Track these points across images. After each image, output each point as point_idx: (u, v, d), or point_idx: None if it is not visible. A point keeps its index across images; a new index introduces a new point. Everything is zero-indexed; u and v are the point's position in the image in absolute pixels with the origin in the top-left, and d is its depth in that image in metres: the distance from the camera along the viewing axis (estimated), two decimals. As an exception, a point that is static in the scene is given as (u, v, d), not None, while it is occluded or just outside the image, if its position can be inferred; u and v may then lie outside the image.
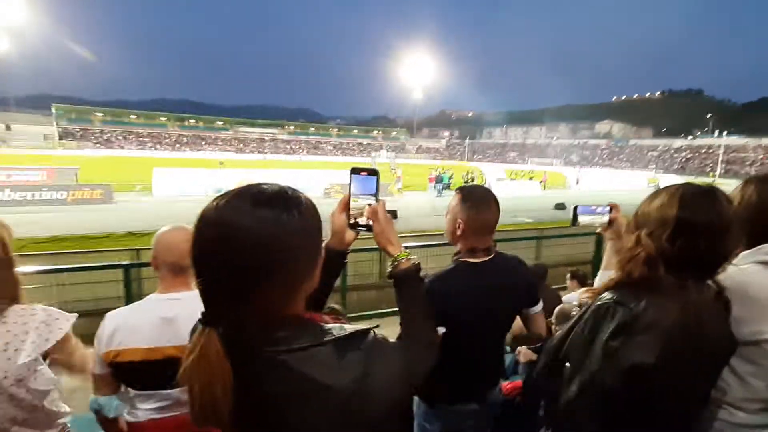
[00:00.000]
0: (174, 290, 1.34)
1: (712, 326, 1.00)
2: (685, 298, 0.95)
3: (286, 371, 0.61)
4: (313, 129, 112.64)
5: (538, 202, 20.85)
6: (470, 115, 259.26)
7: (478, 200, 1.43)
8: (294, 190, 0.69)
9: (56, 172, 18.17)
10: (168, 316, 1.28)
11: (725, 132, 65.78)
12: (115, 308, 1.43)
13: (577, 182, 31.50)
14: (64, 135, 71.83)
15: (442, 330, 1.31)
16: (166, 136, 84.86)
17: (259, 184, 0.66)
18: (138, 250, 6.15)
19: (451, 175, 26.34)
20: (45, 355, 1.21)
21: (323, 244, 1.01)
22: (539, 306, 1.62)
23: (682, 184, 1.02)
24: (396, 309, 0.96)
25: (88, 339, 1.35)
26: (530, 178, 31.68)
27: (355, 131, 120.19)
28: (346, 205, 0.99)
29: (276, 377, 0.62)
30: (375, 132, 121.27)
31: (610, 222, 1.44)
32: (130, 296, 4.33)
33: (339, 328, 0.68)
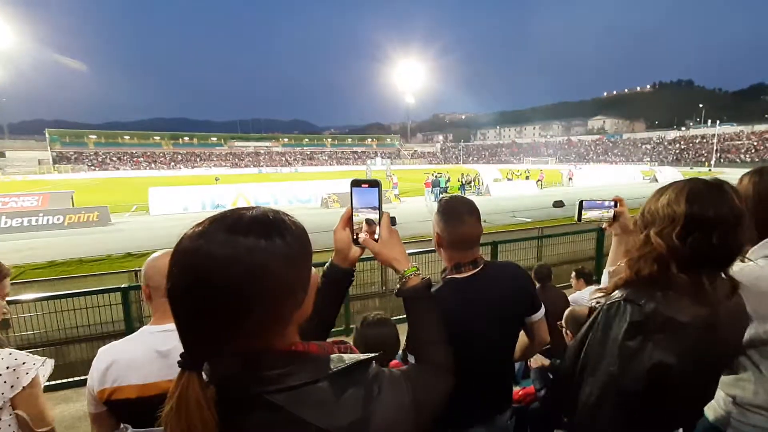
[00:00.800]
0: (168, 320, 1.27)
1: (729, 321, 0.98)
2: (699, 293, 0.92)
3: (276, 414, 0.55)
4: (307, 140, 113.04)
5: (536, 200, 20.87)
6: (463, 117, 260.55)
7: (451, 213, 1.35)
8: (277, 213, 0.62)
9: (51, 197, 18.07)
10: (163, 350, 1.22)
11: (718, 121, 66.18)
12: (115, 333, 1.36)
13: (570, 179, 31.42)
14: (58, 159, 71.82)
15: None
16: (161, 155, 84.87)
17: (239, 209, 0.61)
18: (137, 271, 6.10)
19: (448, 178, 26.34)
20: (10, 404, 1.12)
21: (329, 262, 0.97)
22: (540, 312, 1.51)
23: (689, 180, 1.00)
24: (403, 317, 0.90)
25: (89, 366, 1.29)
26: (526, 177, 31.68)
27: (349, 140, 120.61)
28: (348, 220, 0.93)
29: (265, 421, 0.55)
30: (369, 140, 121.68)
31: (615, 217, 1.40)
32: (130, 319, 4.27)
33: (338, 360, 0.61)
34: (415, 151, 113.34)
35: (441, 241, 1.39)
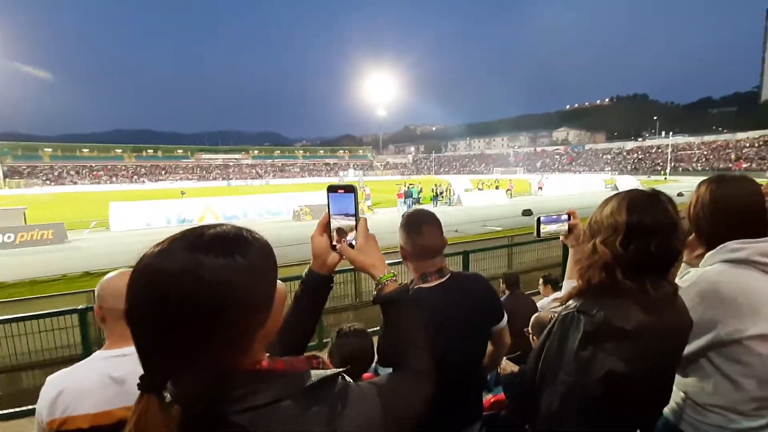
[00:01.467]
0: (125, 343, 1.20)
1: (674, 323, 1.03)
2: (645, 299, 0.97)
3: None
4: (278, 152, 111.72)
5: (506, 210, 21.39)
6: (434, 129, 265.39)
7: (412, 225, 1.41)
8: (239, 229, 0.61)
9: (1, 214, 16.90)
10: (118, 375, 1.14)
11: (671, 132, 70.44)
12: (72, 358, 1.28)
13: (540, 189, 32.42)
14: (9, 173, 67.80)
15: None
16: (123, 168, 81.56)
17: (201, 227, 0.59)
18: (95, 291, 5.78)
19: (420, 189, 26.65)
20: None
21: (307, 269, 0.95)
22: (504, 320, 1.55)
23: (628, 191, 1.06)
24: (378, 329, 0.89)
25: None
26: (496, 187, 32.47)
27: (321, 151, 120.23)
28: (325, 226, 0.93)
29: None
30: (341, 151, 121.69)
31: (570, 229, 1.46)
32: (88, 343, 4.03)
33: (304, 377, 0.60)
34: (388, 162, 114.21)
35: (405, 253, 1.43)
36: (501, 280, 4.26)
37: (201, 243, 0.55)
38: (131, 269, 0.96)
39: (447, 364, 1.29)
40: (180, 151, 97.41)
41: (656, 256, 0.97)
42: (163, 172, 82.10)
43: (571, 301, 1.05)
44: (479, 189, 31.97)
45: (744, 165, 53.26)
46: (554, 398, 1.00)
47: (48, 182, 67.03)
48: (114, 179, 73.69)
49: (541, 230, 1.47)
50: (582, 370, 0.96)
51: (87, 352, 3.91)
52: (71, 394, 1.13)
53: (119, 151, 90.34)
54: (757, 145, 59.62)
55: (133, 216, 18.13)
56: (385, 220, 18.87)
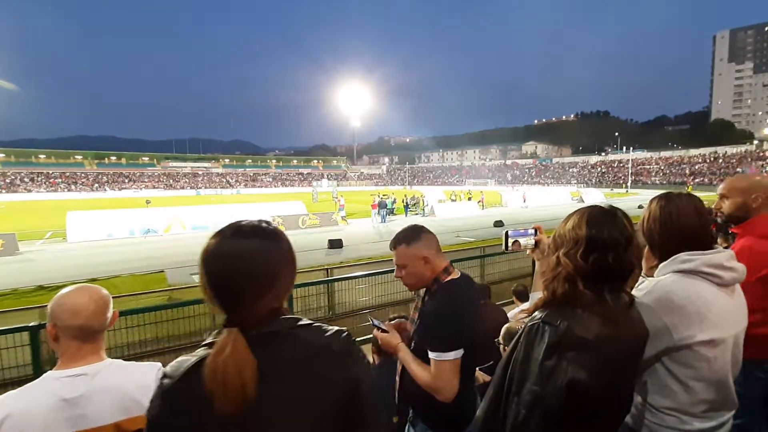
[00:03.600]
0: (79, 363, 1.13)
1: (631, 333, 1.09)
2: (604, 310, 1.03)
3: (296, 339, 0.85)
4: (250, 161, 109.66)
5: (479, 221, 21.80)
6: (408, 140, 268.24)
7: (415, 233, 1.60)
8: (271, 224, 0.90)
9: (-55, 224, 15.71)
10: (71, 397, 1.07)
11: (631, 148, 74.25)
12: (20, 379, 1.18)
13: (524, 201, 33.15)
14: (-44, 180, 63.20)
15: (458, 354, 1.44)
16: (83, 175, 77.48)
17: (240, 222, 0.87)
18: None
19: (394, 200, 26.76)
20: None
21: None
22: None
23: (588, 206, 1.14)
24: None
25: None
26: (469, 198, 33.07)
27: (295, 161, 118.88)
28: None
29: (289, 344, 0.84)
30: (315, 161, 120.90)
31: (536, 243, 1.53)
32: (39, 362, 3.74)
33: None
34: (362, 173, 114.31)
35: (428, 258, 1.56)
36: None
37: (256, 230, 0.85)
38: (85, 287, 1.13)
39: (475, 344, 1.53)
40: (145, 158, 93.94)
41: (613, 268, 1.04)
42: (126, 181, 78.69)
43: (536, 312, 1.09)
44: (452, 200, 32.46)
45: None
46: (521, 408, 1.04)
47: (-1, 190, 62.97)
48: (73, 187, 69.92)
49: (509, 244, 1.53)
50: (546, 380, 1.00)
51: (38, 373, 3.63)
52: (18, 419, 1.04)
53: (79, 157, 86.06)
54: (708, 160, 63.80)
55: (93, 226, 17.22)
56: (359, 232, 18.81)
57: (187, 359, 0.82)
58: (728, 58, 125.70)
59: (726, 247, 2.50)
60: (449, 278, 1.56)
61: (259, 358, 0.78)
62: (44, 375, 1.14)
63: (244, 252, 0.81)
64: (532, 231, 1.54)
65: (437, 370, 1.44)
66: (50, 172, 75.07)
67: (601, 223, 1.07)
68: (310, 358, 0.84)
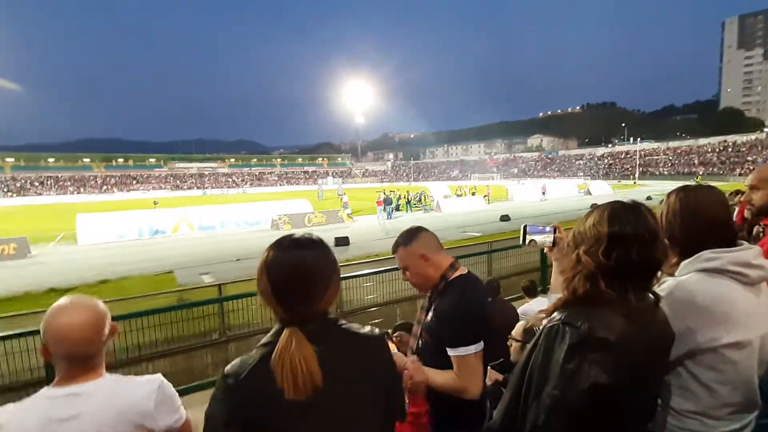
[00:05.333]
0: (74, 382, 1.09)
1: (657, 334, 1.04)
2: (627, 309, 0.99)
3: (347, 332, 1.00)
4: (255, 160, 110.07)
5: (485, 215, 21.71)
6: (413, 136, 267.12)
7: (413, 232, 1.60)
8: (318, 237, 1.04)
9: (-42, 228, 15.97)
10: (63, 416, 1.04)
11: (638, 138, 73.31)
12: (34, 382, 1.17)
13: (544, 194, 33.12)
14: (-33, 185, 64.19)
15: (480, 347, 1.44)
16: (91, 178, 78.29)
17: (294, 235, 1.02)
18: None
19: (399, 196, 26.72)
20: None
21: None
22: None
23: (610, 202, 1.09)
24: None
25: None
26: (473, 193, 32.98)
27: (300, 159, 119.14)
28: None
29: (343, 336, 0.99)
30: (320, 159, 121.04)
31: (555, 243, 1.48)
32: (52, 367, 3.78)
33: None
34: (367, 169, 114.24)
35: (427, 258, 1.55)
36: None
37: (309, 242, 1.00)
38: (79, 302, 1.13)
39: (491, 338, 1.52)
40: (152, 159, 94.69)
41: (637, 265, 1.00)
42: (134, 182, 79.43)
43: (556, 313, 1.06)
44: (458, 195, 32.34)
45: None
46: (540, 412, 1.00)
47: (10, 194, 63.87)
48: (82, 190, 70.78)
49: (527, 239, 1.50)
50: (568, 383, 0.96)
51: (51, 377, 3.68)
52: None
53: (87, 160, 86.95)
54: (717, 150, 62.79)
55: (103, 228, 17.46)
56: (365, 229, 18.81)
57: (248, 358, 0.92)
58: (737, 44, 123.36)
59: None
60: (457, 274, 1.55)
61: (320, 350, 0.91)
62: (39, 392, 1.11)
63: (305, 261, 0.95)
64: (551, 229, 1.50)
65: (462, 366, 1.42)
66: (59, 175, 76.03)
67: (624, 219, 1.03)
68: (359, 347, 0.99)
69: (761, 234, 1.86)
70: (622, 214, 1.05)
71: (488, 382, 2.32)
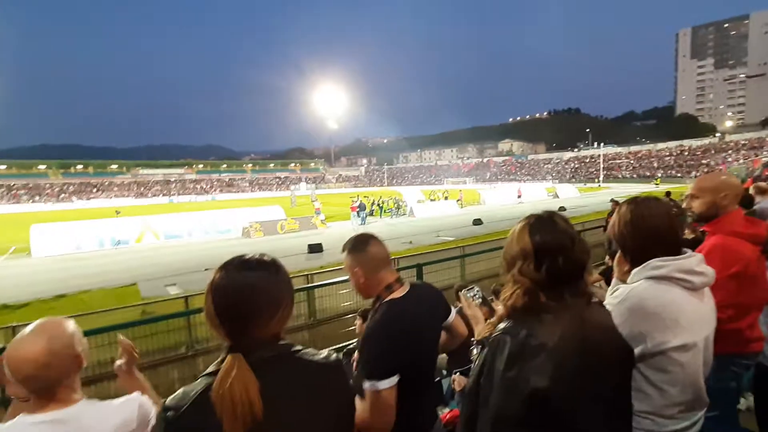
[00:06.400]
0: (50, 408, 1.05)
1: (598, 331, 1.06)
2: (566, 313, 1.02)
3: (300, 359, 0.95)
4: (225, 166, 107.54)
5: (458, 219, 21.97)
6: (386, 141, 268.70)
7: (359, 243, 1.48)
8: (271, 257, 0.99)
9: None
10: None
11: (602, 143, 76.49)
12: None
13: (519, 196, 34.84)
14: None
15: (395, 380, 1.31)
16: (47, 186, 74.15)
17: (244, 255, 0.96)
18: (14, 327, 5.09)
19: (373, 201, 26.68)
20: None
21: None
22: (453, 311, 1.65)
23: (526, 218, 1.15)
24: (334, 346, 0.97)
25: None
26: (445, 198, 33.38)
27: (272, 165, 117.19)
28: None
29: (294, 364, 0.94)
30: (293, 164, 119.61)
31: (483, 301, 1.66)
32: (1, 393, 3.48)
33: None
34: (340, 175, 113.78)
35: (359, 273, 1.45)
36: (453, 291, 4.28)
37: (254, 263, 0.94)
38: (40, 329, 1.07)
39: (424, 365, 1.45)
40: (114, 166, 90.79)
41: (566, 270, 1.06)
42: (94, 190, 75.84)
43: (500, 325, 1.09)
44: (431, 200, 32.65)
45: (698, 172, 58.72)
46: (487, 422, 1.03)
47: (-44, 204, 59.62)
48: (37, 198, 66.92)
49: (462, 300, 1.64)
50: (509, 392, 0.98)
51: (3, 404, 3.38)
52: None
53: (43, 167, 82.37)
54: (675, 154, 66.40)
55: (59, 239, 16.47)
56: (339, 235, 18.62)
57: (190, 389, 0.86)
58: (690, 54, 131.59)
59: (693, 238, 2.58)
60: (390, 297, 1.43)
61: (264, 379, 0.85)
62: (18, 419, 1.05)
63: (250, 284, 0.90)
64: (479, 294, 1.62)
65: (371, 399, 1.29)
66: (12, 183, 71.59)
67: (543, 230, 1.09)
68: (310, 375, 0.93)
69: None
70: (540, 226, 1.10)
71: (457, 389, 2.31)
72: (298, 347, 0.97)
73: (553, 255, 1.05)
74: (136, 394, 1.20)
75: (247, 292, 0.89)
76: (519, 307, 1.06)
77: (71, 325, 1.12)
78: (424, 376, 1.46)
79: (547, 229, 1.09)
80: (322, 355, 0.98)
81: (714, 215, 1.85)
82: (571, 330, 1.00)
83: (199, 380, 0.88)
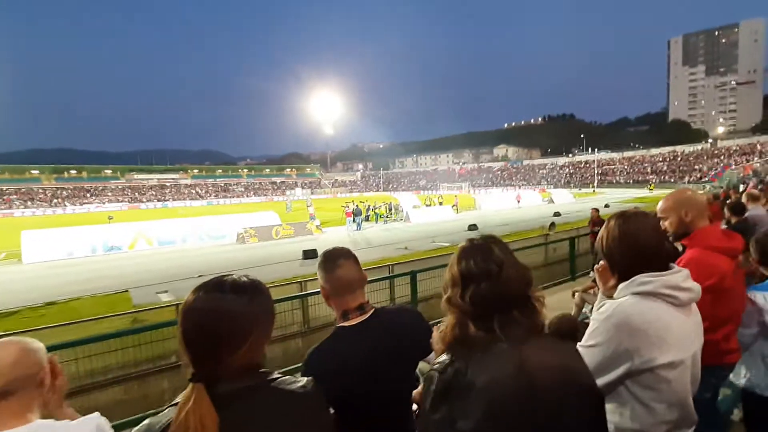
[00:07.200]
0: (3, 426, 1.00)
1: (553, 375, 0.91)
2: (498, 349, 0.92)
3: (270, 391, 0.88)
4: (220, 171, 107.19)
5: (454, 225, 21.98)
6: (382, 146, 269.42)
7: (327, 260, 1.39)
8: (254, 279, 0.94)
9: None
10: None
11: (596, 149, 77.22)
12: None
13: (519, 201, 35.12)
14: None
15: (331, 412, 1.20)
16: (40, 191, 73.52)
17: (223, 276, 0.91)
18: (5, 335, 4.96)
19: (368, 206, 26.64)
20: None
21: None
22: (431, 356, 1.46)
23: (462, 243, 1.09)
24: None
25: None
26: (440, 203, 33.37)
27: (267, 170, 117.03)
28: None
29: (263, 396, 0.87)
30: (288, 169, 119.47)
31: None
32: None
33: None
34: (336, 180, 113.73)
35: (325, 292, 1.39)
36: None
37: (230, 286, 0.88)
38: (8, 341, 1.06)
39: (369, 405, 1.31)
40: (108, 171, 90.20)
41: (492, 299, 0.97)
42: (88, 195, 75.21)
43: (439, 357, 1.01)
44: (427, 205, 32.67)
45: (693, 178, 59.19)
46: None
47: (-53, 209, 58.87)
48: (29, 204, 66.24)
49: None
50: None
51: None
52: None
53: (36, 172, 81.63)
54: (668, 159, 67.03)
55: (51, 245, 16.31)
56: (334, 240, 18.57)
57: (157, 420, 0.82)
58: (682, 61, 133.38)
59: (675, 251, 2.59)
60: (345, 324, 1.36)
61: (228, 412, 0.79)
62: None
63: (217, 308, 0.84)
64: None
65: None
66: (4, 188, 70.89)
67: (470, 256, 1.02)
68: (285, 407, 0.87)
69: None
70: (469, 252, 1.04)
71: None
72: (275, 376, 0.91)
73: (477, 282, 0.98)
74: (95, 414, 1.13)
75: (212, 317, 0.83)
76: (450, 340, 1.00)
77: (34, 345, 1.10)
78: (381, 408, 1.33)
79: (475, 255, 1.02)
80: (299, 384, 0.93)
81: (685, 232, 1.88)
82: (505, 368, 0.89)
83: (166, 410, 0.84)
